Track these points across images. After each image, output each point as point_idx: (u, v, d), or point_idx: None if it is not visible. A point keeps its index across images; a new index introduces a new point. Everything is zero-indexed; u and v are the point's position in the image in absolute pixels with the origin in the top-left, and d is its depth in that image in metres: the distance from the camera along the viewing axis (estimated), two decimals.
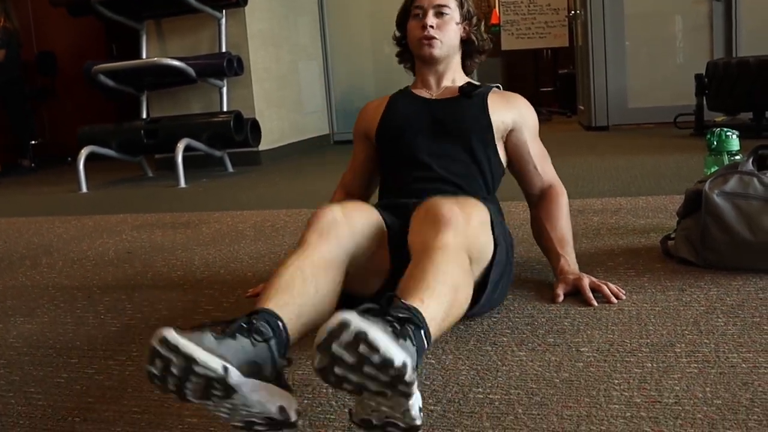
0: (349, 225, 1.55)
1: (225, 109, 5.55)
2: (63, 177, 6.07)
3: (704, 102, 5.54)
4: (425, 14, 1.97)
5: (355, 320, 0.98)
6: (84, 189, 5.12)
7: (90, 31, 7.92)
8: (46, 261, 2.80)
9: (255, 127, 5.50)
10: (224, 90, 5.58)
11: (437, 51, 1.97)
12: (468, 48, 2.07)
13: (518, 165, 2.02)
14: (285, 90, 6.36)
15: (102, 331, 1.88)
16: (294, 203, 3.71)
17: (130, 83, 5.65)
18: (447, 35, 1.98)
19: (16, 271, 2.67)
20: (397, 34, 2.13)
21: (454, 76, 2.05)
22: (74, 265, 2.70)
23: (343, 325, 0.98)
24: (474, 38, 2.05)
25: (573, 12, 7.37)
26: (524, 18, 8.55)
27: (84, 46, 8.17)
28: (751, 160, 2.03)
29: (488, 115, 1.95)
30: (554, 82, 9.42)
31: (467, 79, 2.08)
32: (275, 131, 6.10)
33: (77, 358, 1.70)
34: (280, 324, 1.22)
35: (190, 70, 5.25)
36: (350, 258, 1.52)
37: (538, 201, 2.02)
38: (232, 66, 5.39)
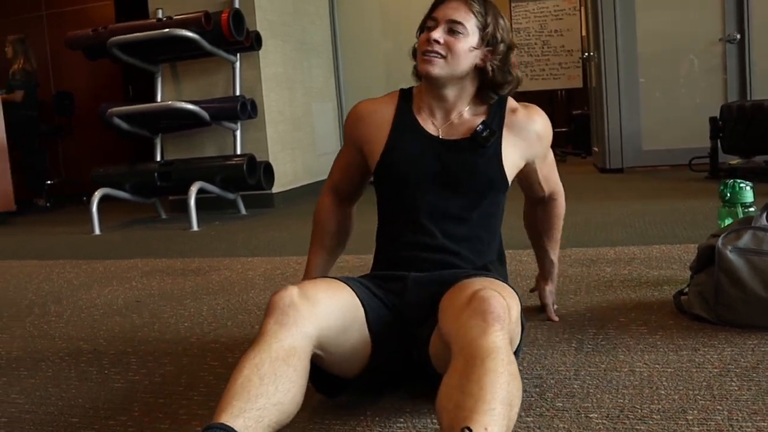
0: (311, 306, 1.42)
1: (239, 151, 5.58)
2: (77, 217, 6.08)
3: (719, 145, 5.51)
4: (436, 27, 1.74)
5: None
6: (97, 231, 5.13)
7: (107, 72, 8.02)
8: (54, 309, 2.79)
9: (268, 170, 5.52)
10: (238, 133, 5.61)
11: (437, 70, 1.72)
12: (483, 79, 1.79)
13: (522, 181, 1.96)
14: (299, 132, 6.39)
15: (105, 388, 1.86)
16: (306, 249, 3.68)
17: (145, 126, 5.69)
18: (453, 56, 1.72)
19: (23, 320, 2.66)
20: (416, 45, 1.83)
21: (464, 107, 1.80)
22: (82, 314, 2.69)
23: None
24: (489, 68, 1.76)
25: (587, 54, 7.39)
26: (538, 59, 8.59)
27: (101, 87, 8.27)
28: (765, 215, 2.00)
29: (503, 168, 1.76)
30: (569, 123, 9.41)
31: (480, 114, 1.81)
32: (289, 173, 6.11)
33: (78, 416, 1.68)
34: None
35: (204, 114, 5.28)
36: (315, 342, 1.40)
37: (538, 204, 2.08)
38: (245, 109, 5.43)
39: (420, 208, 1.76)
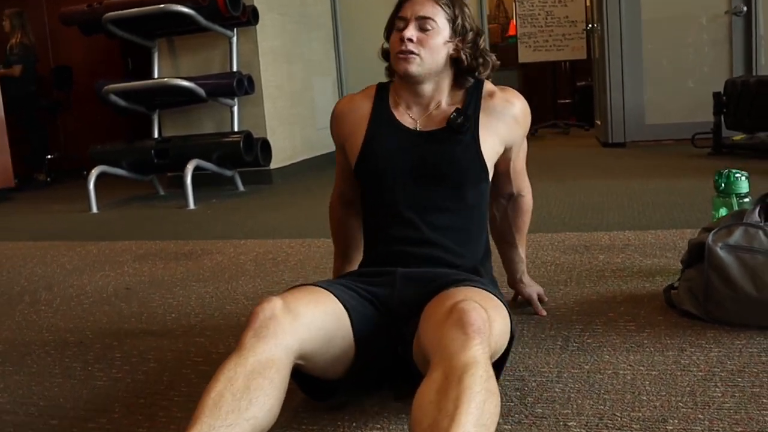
0: (292, 319, 1.38)
1: (236, 128, 5.54)
2: (76, 193, 6.05)
3: (722, 121, 5.45)
4: (406, 26, 1.74)
5: None
6: (94, 209, 5.12)
7: (106, 47, 7.94)
8: (44, 297, 2.78)
9: (265, 146, 5.48)
10: (235, 109, 5.56)
11: (414, 68, 1.73)
12: (459, 68, 1.81)
13: (494, 171, 1.87)
14: (298, 107, 6.33)
15: (87, 386, 1.85)
16: (299, 230, 3.68)
17: (141, 102, 5.65)
18: (429, 52, 1.73)
19: (14, 309, 2.65)
20: (385, 46, 1.88)
21: (441, 98, 1.81)
22: (71, 302, 2.68)
23: None
24: (463, 57, 1.77)
25: (590, 25, 7.29)
26: (541, 30, 8.47)
27: (100, 61, 8.20)
28: (757, 210, 1.96)
29: (481, 154, 1.76)
30: (572, 95, 9.32)
31: (457, 102, 1.81)
32: (287, 149, 6.06)
33: (58, 418, 1.67)
34: None
35: (200, 91, 5.23)
36: (296, 354, 1.37)
37: (507, 203, 2.04)
38: (242, 85, 5.37)
39: (399, 203, 1.75)
